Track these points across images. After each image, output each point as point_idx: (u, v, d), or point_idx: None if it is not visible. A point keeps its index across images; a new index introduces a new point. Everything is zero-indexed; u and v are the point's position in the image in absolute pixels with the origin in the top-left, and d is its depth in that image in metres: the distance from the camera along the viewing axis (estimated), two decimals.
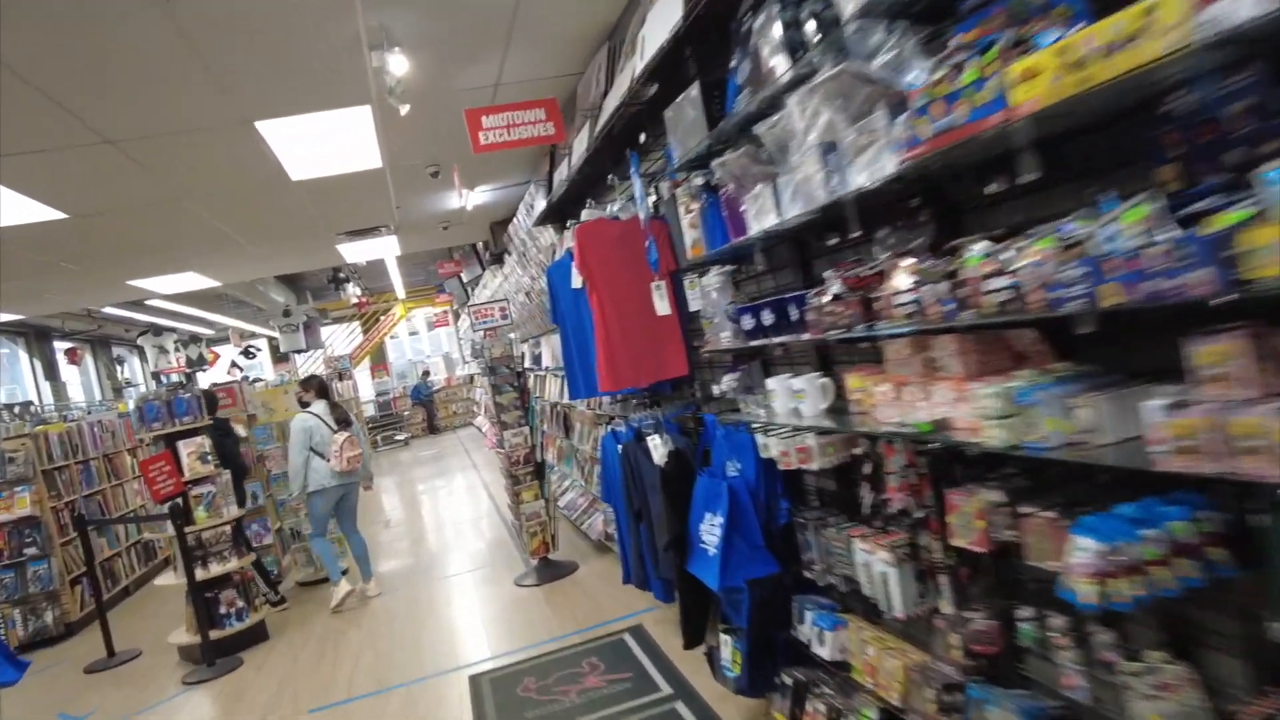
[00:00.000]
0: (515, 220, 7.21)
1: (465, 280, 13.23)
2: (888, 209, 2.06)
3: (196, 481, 5.24)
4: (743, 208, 2.42)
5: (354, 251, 8.57)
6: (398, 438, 19.18)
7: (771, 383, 2.48)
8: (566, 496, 6.98)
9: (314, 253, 8.40)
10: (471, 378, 21.09)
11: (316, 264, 9.12)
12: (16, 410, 9.50)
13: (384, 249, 8.82)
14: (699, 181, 2.61)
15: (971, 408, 1.63)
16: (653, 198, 3.30)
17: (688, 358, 3.42)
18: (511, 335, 5.70)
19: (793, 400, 2.41)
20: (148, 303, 11.31)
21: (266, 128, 4.21)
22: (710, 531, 2.95)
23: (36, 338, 12.89)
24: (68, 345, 13.00)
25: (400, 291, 18.49)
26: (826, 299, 1.97)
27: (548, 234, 6.00)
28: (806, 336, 2.17)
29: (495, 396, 5.70)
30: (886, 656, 2.33)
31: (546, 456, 6.58)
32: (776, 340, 2.32)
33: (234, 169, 4.87)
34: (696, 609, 3.46)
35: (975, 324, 1.56)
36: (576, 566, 5.66)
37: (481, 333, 6.26)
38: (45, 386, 12.65)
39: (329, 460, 5.61)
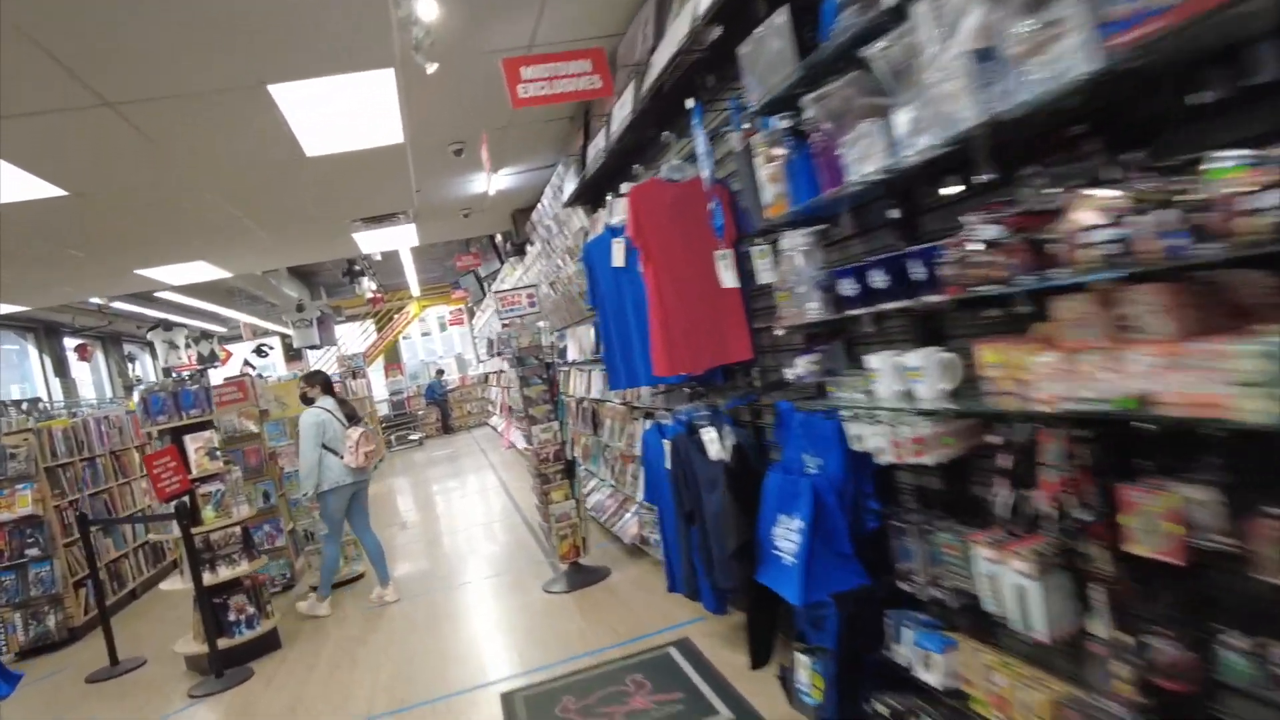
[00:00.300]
0: (540, 206, 6.84)
1: (482, 275, 12.89)
2: (1035, 143, 1.68)
3: (204, 479, 4.89)
4: (840, 151, 2.04)
5: (370, 241, 8.23)
6: (411, 437, 18.87)
7: (875, 361, 2.09)
8: (594, 497, 6.60)
9: (329, 241, 8.06)
10: (486, 377, 20.78)
11: (331, 254, 8.78)
12: (24, 406, 9.23)
13: (401, 238, 8.47)
14: (783, 125, 2.22)
15: (1199, 376, 1.24)
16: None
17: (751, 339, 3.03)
18: (540, 324, 5.33)
19: (903, 381, 2.02)
20: (159, 296, 11.02)
21: (280, 92, 3.85)
22: (787, 537, 2.56)
23: (46, 334, 12.65)
24: (78, 342, 12.74)
25: (415, 288, 18.19)
26: (975, 246, 1.58)
27: (578, 218, 5.63)
28: (934, 298, 1.78)
29: (523, 389, 5.33)
30: (1023, 688, 1.93)
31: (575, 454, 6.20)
32: (890, 306, 1.93)
33: (245, 142, 4.52)
34: (764, 622, 3.08)
35: (1220, 262, 1.17)
36: (609, 572, 5.28)
37: (507, 322, 5.88)
38: (55, 383, 12.40)
39: (343, 456, 5.28)
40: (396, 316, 20.58)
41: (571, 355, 7.14)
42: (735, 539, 2.77)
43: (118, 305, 12.40)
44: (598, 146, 4.40)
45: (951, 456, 2.05)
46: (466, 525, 7.87)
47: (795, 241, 2.25)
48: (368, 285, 11.57)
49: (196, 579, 4.61)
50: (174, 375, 13.42)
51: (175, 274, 7.76)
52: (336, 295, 18.11)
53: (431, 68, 3.45)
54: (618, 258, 3.82)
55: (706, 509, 3.31)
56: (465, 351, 23.42)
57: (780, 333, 2.59)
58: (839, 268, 2.11)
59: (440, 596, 5.62)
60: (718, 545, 3.18)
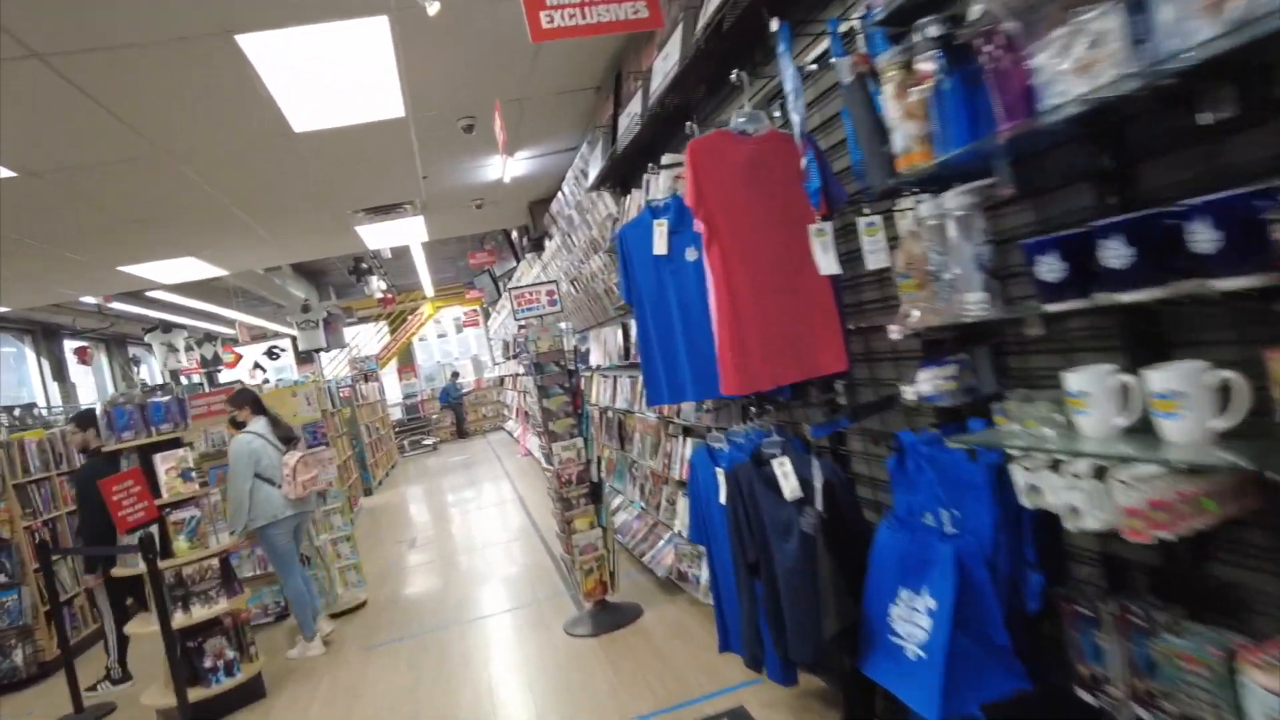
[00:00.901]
0: (560, 195, 6.16)
1: (498, 275, 12.25)
2: None
3: (176, 504, 4.24)
4: (1034, 64, 1.33)
5: (376, 236, 7.58)
6: (425, 442, 18.28)
7: (1082, 380, 1.38)
8: (619, 517, 5.91)
9: (331, 236, 7.42)
10: (502, 380, 20.17)
11: (335, 250, 8.16)
12: (18, 413, 8.67)
13: (409, 233, 7.82)
14: (932, 33, 1.52)
15: None
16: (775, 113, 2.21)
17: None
18: (562, 325, 4.66)
19: (1132, 411, 1.31)
20: (156, 296, 10.46)
21: (251, 44, 3.19)
22: (913, 620, 1.86)
23: (45, 336, 12.14)
24: (78, 344, 12.21)
25: (428, 289, 17.60)
26: None
27: (604, 204, 4.94)
28: (1240, 282, 1.06)
29: (542, 400, 4.64)
30: None
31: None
32: (1144, 296, 1.22)
33: (217, 110, 3.87)
34: (862, 710, 2.37)
35: None
36: (640, 611, 4.59)
37: (524, 323, 5.22)
38: (54, 388, 11.87)
39: (281, 486, 4.68)
40: (410, 318, 20.02)
41: (595, 360, 6.46)
42: (835, 619, 2.05)
43: (116, 306, 11.87)
44: (631, 114, 3.70)
45: (1209, 526, 1.34)
46: (482, 544, 7.20)
47: (948, 204, 1.54)
48: (377, 285, 10.95)
49: (163, 622, 3.96)
50: (183, 380, 12.91)
51: (164, 271, 7.14)
52: (347, 296, 17.56)
53: (433, 8, 2.78)
54: (659, 244, 3.12)
55: (777, 562, 2.60)
56: (481, 353, 22.83)
57: (897, 336, 1.89)
58: (1036, 239, 1.39)
59: (452, 634, 4.94)
60: (792, 609, 2.47)
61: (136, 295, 12.19)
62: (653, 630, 4.35)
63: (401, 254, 13.36)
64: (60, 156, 4.02)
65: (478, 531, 7.74)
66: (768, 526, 2.67)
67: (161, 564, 4.10)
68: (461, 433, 19.53)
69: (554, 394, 4.64)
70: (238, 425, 4.98)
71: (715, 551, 3.18)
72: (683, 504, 4.37)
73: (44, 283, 6.89)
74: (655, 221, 3.15)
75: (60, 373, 11.95)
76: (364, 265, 9.86)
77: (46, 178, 4.21)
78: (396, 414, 18.92)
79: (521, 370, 4.78)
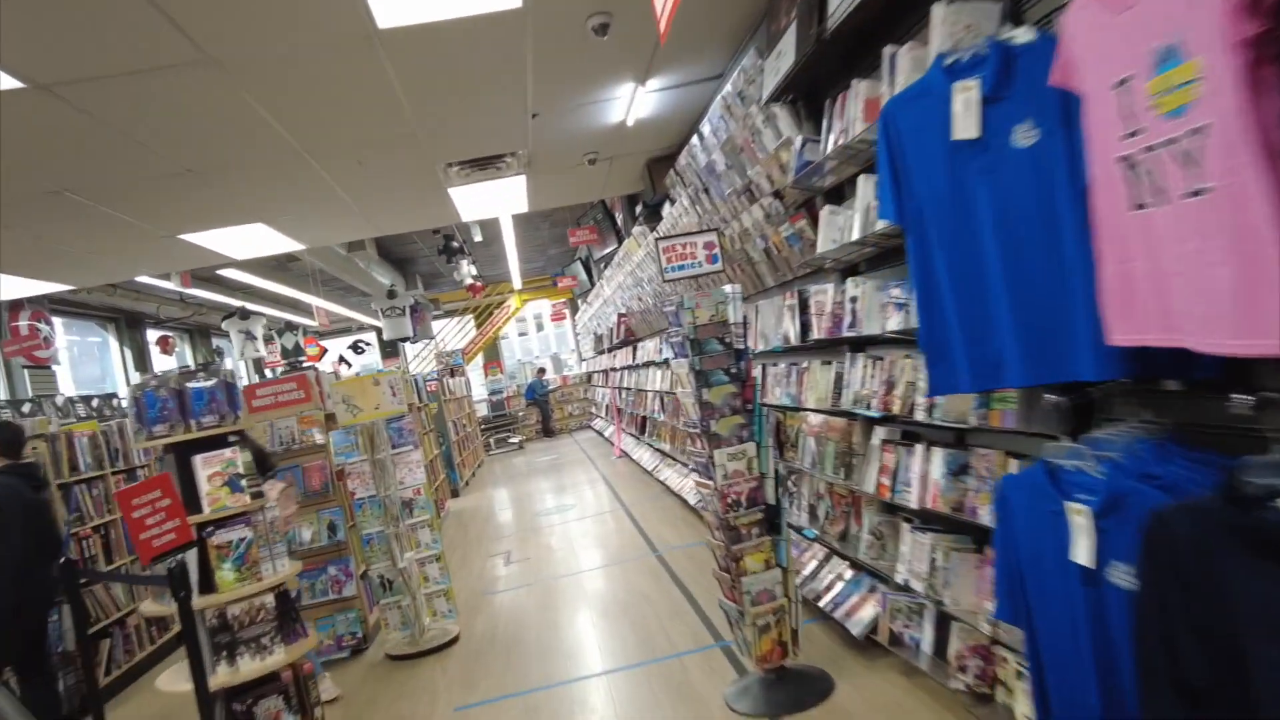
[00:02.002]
0: (696, 141, 4.93)
1: (594, 258, 11.15)
2: None
3: (221, 522, 3.21)
4: None
5: (470, 202, 6.53)
6: (511, 440, 17.42)
7: None
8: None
9: (419, 202, 6.39)
10: (589, 376, 19.18)
11: (423, 222, 7.13)
12: (95, 403, 8.05)
13: (507, 199, 6.74)
14: None
15: None
16: None
17: None
18: (728, 289, 3.43)
19: None
20: (231, 277, 9.77)
21: None
22: None
23: (128, 325, 11.70)
24: (160, 334, 11.73)
25: (516, 280, 16.72)
26: None
27: (777, 128, 3.68)
28: None
29: (700, 390, 3.42)
30: None
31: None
32: None
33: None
34: None
35: None
36: (831, 684, 3.32)
37: (673, 280, 4.02)
38: (136, 378, 11.39)
39: None
40: (496, 312, 19.23)
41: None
42: None
43: (197, 293, 11.31)
44: None
45: None
46: (590, 564, 6.05)
47: None
48: (467, 270, 9.99)
49: (199, 681, 2.91)
50: (267, 374, 12.35)
51: (232, 242, 6.26)
52: (434, 287, 16.85)
53: None
54: (966, 122, 1.86)
55: (1268, 690, 1.31)
56: (562, 351, 21.92)
57: None
58: None
59: (570, 696, 3.78)
60: None
61: (215, 281, 11.63)
62: (852, 710, 3.08)
63: (492, 239, 12.43)
64: (77, 60, 3.03)
65: (582, 548, 6.60)
66: (1251, 625, 1.37)
67: (199, 602, 3.07)
68: (547, 431, 18.62)
69: (717, 382, 3.41)
70: None
71: (1050, 645, 1.89)
72: (909, 541, 3.07)
73: (95, 254, 6.09)
74: (957, 87, 1.88)
75: (142, 363, 11.49)
76: (455, 244, 8.89)
77: (62, 92, 3.23)
78: (482, 410, 18.15)
79: (670, 352, 3.52)
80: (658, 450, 9.28)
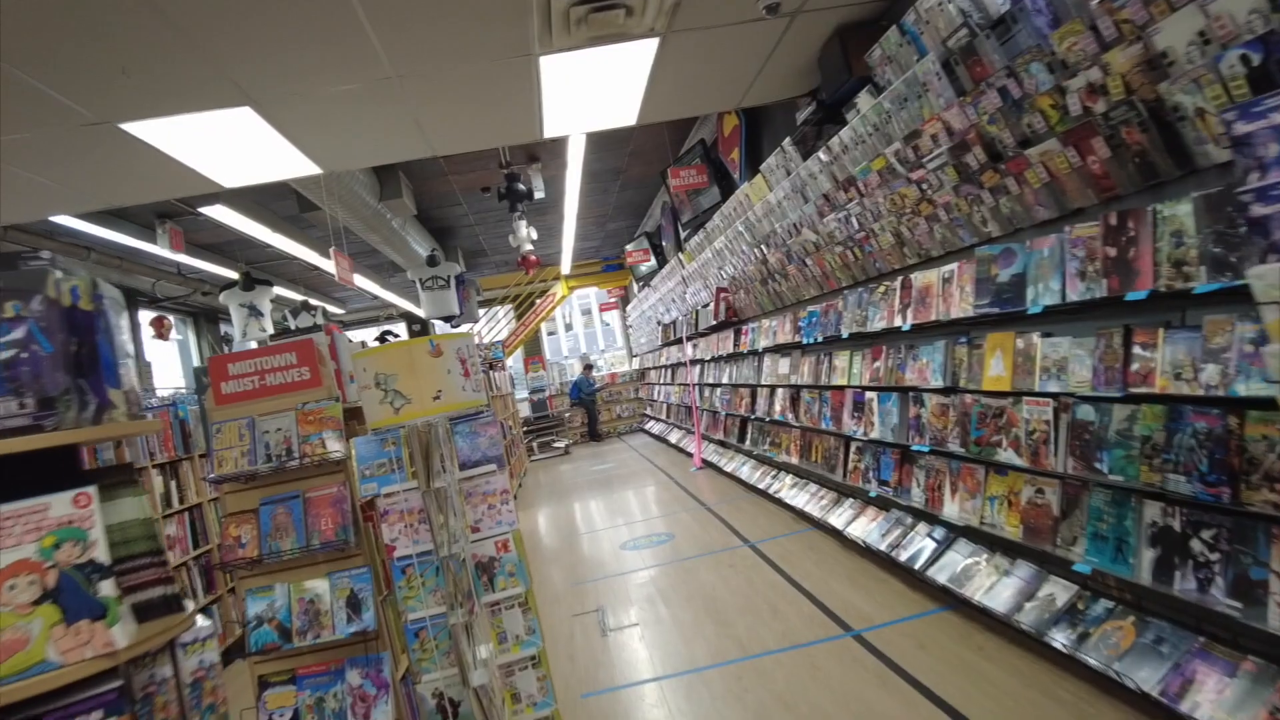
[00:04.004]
0: None
1: (685, 219, 9.06)
2: None
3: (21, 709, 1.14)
4: None
5: (565, 95, 4.44)
6: (556, 444, 15.37)
7: None
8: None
9: (494, 78, 4.28)
10: (643, 373, 17.10)
11: (493, 130, 4.87)
12: None
13: (615, 94, 4.64)
14: None
15: None
16: None
17: None
18: None
19: None
20: (234, 235, 7.79)
21: None
22: None
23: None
24: (154, 314, 9.81)
25: (566, 263, 14.69)
26: None
27: None
28: None
29: None
30: None
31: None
32: None
33: None
34: None
35: None
36: None
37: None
38: None
39: None
40: (539, 301, 17.21)
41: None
42: None
43: (196, 263, 9.39)
44: None
45: None
46: (746, 646, 3.94)
47: None
48: (526, 233, 7.93)
49: None
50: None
51: (207, 147, 4.20)
52: (474, 269, 14.86)
53: None
54: None
55: None
56: (594, 351, 19.88)
57: None
58: None
59: None
60: None
61: (219, 251, 9.70)
62: None
63: (550, 204, 10.39)
64: None
65: (716, 611, 4.48)
66: None
67: None
68: (594, 435, 16.56)
69: None
70: None
71: None
72: None
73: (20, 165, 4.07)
74: None
75: (134, 348, 9.57)
76: (520, 187, 6.79)
77: None
78: (523, 410, 16.14)
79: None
80: (770, 463, 7.15)
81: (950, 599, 3.90)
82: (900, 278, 4.14)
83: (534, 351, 17.82)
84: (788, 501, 6.34)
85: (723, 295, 7.81)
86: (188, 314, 11.65)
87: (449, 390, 2.53)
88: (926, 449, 3.95)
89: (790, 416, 6.30)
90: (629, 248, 12.42)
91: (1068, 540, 3.06)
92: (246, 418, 2.91)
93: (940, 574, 3.89)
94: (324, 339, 3.10)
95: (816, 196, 4.91)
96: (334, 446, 2.90)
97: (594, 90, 4.40)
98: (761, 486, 7.16)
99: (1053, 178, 2.83)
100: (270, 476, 2.91)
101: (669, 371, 13.05)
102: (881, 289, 4.38)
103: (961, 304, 3.55)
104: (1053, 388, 3.02)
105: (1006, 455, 3.27)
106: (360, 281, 11.51)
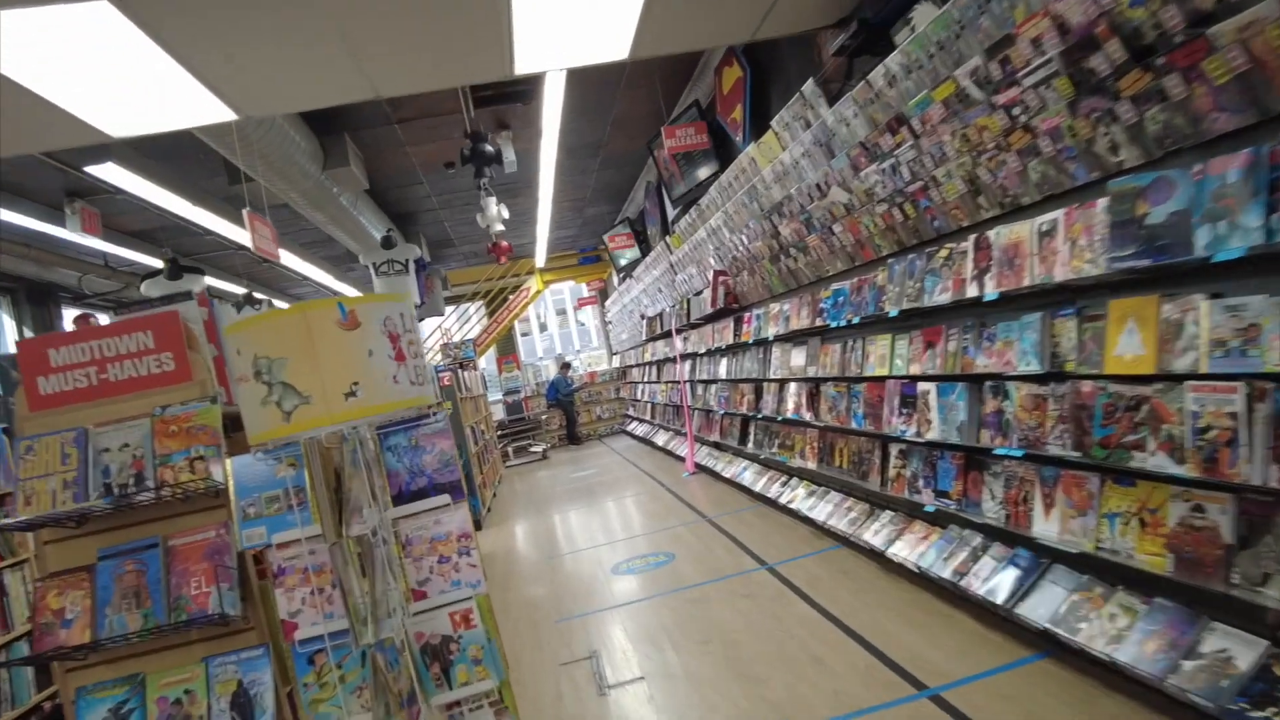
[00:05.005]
0: None
1: (675, 195, 8.17)
2: None
3: None
4: None
5: (540, 16, 3.52)
6: (533, 449, 14.40)
7: None
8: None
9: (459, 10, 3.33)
10: (623, 371, 16.19)
11: (452, 67, 3.98)
12: None
13: (602, 13, 3.72)
14: None
15: None
16: None
17: None
18: None
19: None
20: (159, 216, 6.74)
21: None
22: None
23: (31, 299, 8.69)
24: (79, 312, 8.70)
25: (540, 254, 13.72)
26: None
27: None
28: None
29: None
30: None
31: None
32: None
33: None
34: None
35: None
36: None
37: None
38: None
39: None
40: (513, 297, 16.23)
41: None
42: None
43: (122, 253, 8.33)
44: None
45: None
46: (785, 709, 3.05)
47: None
48: (496, 212, 6.97)
49: None
50: None
51: (59, 55, 3.18)
52: (441, 261, 13.85)
53: None
54: None
55: None
56: (569, 353, 18.94)
57: None
58: None
59: None
60: None
61: (148, 239, 8.62)
62: None
63: (523, 183, 9.43)
64: None
65: (741, 657, 3.58)
66: None
67: None
68: (573, 438, 15.60)
69: None
70: None
71: None
72: None
73: None
74: None
75: None
76: (487, 149, 5.82)
77: None
78: (497, 413, 15.15)
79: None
80: (780, 468, 6.27)
81: (1048, 643, 3.04)
82: (974, 236, 3.26)
83: (508, 350, 16.85)
84: (805, 513, 5.45)
85: (721, 279, 6.92)
86: (116, 308, 10.53)
87: (372, 382, 1.60)
88: (1017, 453, 3.07)
89: (808, 414, 5.41)
90: (610, 233, 11.49)
91: (1253, 578, 2.20)
92: (75, 430, 1.95)
93: (1035, 612, 3.03)
94: (197, 312, 2.14)
95: (850, 146, 4.03)
96: (209, 470, 1.95)
97: (578, 8, 3.47)
98: (770, 495, 6.27)
99: (1255, 63, 1.97)
100: (112, 517, 1.96)
101: (654, 368, 12.15)
102: (944, 253, 3.51)
103: (1074, 262, 2.68)
104: (1233, 368, 2.16)
105: (1156, 461, 2.40)
106: (310, 271, 10.46)
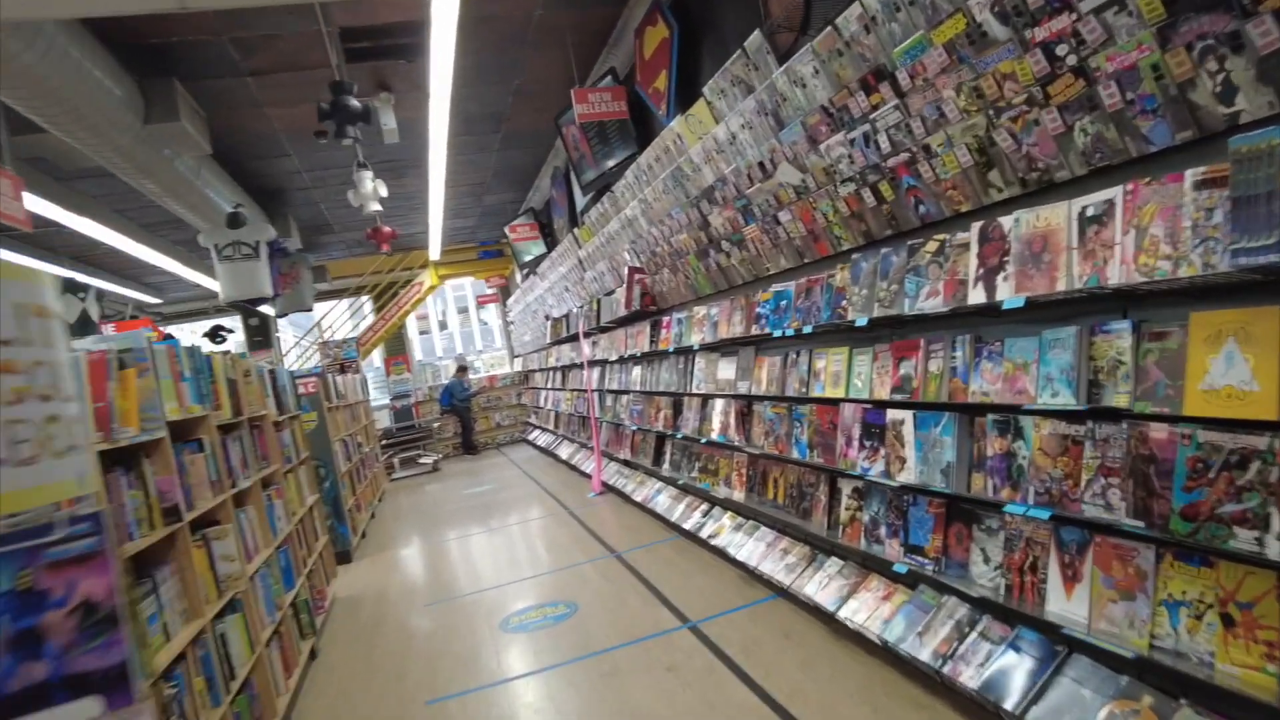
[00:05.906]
0: None
1: (588, 179, 7.26)
2: None
3: None
4: None
5: None
6: (423, 460, 13.15)
7: None
8: None
9: None
10: (526, 375, 15.15)
11: None
12: None
13: None
14: None
15: None
16: None
17: None
18: None
19: None
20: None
21: None
22: None
23: None
24: None
25: (434, 247, 12.51)
26: None
27: None
28: None
29: None
30: None
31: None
32: None
33: None
34: None
35: None
36: None
37: None
38: None
39: None
40: (404, 292, 14.89)
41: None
42: None
43: None
44: None
45: None
46: None
47: None
48: (372, 188, 5.87)
49: None
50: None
51: None
52: (319, 250, 12.44)
53: None
54: None
55: None
56: (470, 353, 17.75)
57: None
58: None
59: None
60: None
61: None
62: None
63: (410, 162, 8.28)
64: None
65: None
66: None
67: None
68: (469, 446, 14.42)
69: None
70: None
71: None
72: None
73: None
74: None
75: None
76: (353, 105, 4.68)
77: None
78: (384, 420, 13.82)
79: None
80: (701, 495, 5.46)
81: None
82: (979, 224, 2.51)
83: (398, 350, 15.50)
84: (732, 554, 4.64)
85: (637, 278, 6.06)
86: None
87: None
88: (1041, 513, 2.31)
89: (738, 437, 4.61)
90: (513, 223, 10.47)
91: None
92: None
93: None
94: None
95: (808, 112, 3.23)
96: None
97: None
98: (688, 526, 5.45)
99: None
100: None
101: (559, 374, 11.19)
102: (932, 246, 2.74)
103: (1143, 259, 1.94)
104: None
105: None
106: (158, 259, 8.95)
